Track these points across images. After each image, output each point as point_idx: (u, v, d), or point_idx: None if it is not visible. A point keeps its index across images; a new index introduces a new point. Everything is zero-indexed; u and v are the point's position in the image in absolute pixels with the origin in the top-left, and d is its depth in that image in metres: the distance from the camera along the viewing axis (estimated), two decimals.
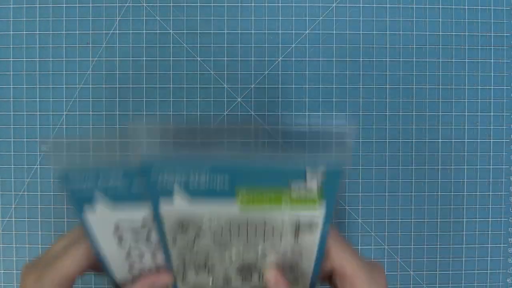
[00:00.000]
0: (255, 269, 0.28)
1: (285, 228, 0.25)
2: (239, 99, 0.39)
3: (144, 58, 0.39)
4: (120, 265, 0.28)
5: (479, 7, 0.39)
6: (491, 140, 0.39)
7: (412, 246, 0.39)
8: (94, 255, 0.28)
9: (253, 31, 0.38)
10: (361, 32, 0.39)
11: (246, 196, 0.24)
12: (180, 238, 0.26)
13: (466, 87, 0.39)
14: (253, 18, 0.39)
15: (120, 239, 0.27)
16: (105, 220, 0.25)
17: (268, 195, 0.24)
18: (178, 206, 0.24)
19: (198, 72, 0.39)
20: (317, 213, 0.24)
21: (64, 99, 0.39)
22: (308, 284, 0.29)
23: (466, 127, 0.39)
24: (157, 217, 0.25)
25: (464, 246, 0.39)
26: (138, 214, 0.25)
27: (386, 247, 0.39)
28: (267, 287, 0.29)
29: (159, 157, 0.22)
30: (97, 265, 0.30)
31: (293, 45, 0.39)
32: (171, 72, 0.39)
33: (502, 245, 0.39)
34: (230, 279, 0.28)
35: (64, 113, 0.39)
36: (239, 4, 0.39)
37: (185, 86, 0.39)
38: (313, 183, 0.23)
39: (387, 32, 0.39)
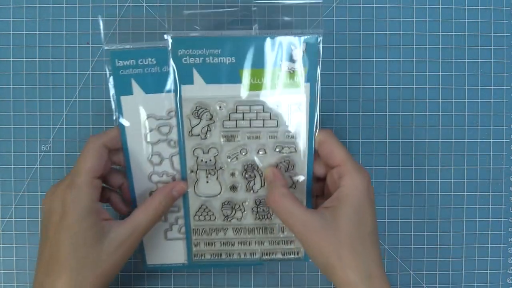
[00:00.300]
0: (257, 172, 0.33)
1: (279, 112, 0.32)
2: None
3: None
4: (141, 165, 0.33)
5: (479, 7, 0.39)
6: (491, 140, 0.39)
7: (412, 246, 0.39)
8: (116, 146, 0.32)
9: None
10: (361, 32, 0.39)
11: (249, 79, 0.32)
12: (194, 128, 0.32)
13: (466, 87, 0.39)
14: (252, 18, 0.39)
15: (146, 133, 0.33)
16: (137, 106, 0.32)
17: (265, 77, 0.32)
18: (196, 89, 0.32)
19: None
20: (302, 93, 0.32)
21: (64, 99, 0.39)
22: (305, 191, 0.34)
23: (466, 127, 0.39)
24: (179, 100, 0.32)
25: (464, 246, 0.39)
26: (163, 106, 0.32)
27: (386, 247, 0.39)
28: (267, 181, 0.33)
29: (185, 37, 0.31)
30: (109, 177, 0.33)
31: None
32: None
33: (502, 245, 0.39)
34: (237, 187, 0.34)
35: (64, 113, 0.39)
36: (239, 5, 0.39)
37: None
38: (297, 55, 0.31)
39: (387, 32, 0.39)
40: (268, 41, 0.31)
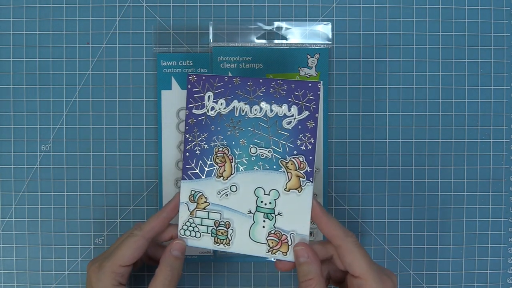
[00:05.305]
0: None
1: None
2: None
3: (144, 58, 0.39)
4: (170, 151, 0.38)
5: (479, 7, 0.39)
6: (491, 140, 0.39)
7: (412, 246, 0.39)
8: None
9: (253, 31, 0.38)
10: (361, 32, 0.39)
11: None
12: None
13: (466, 87, 0.39)
14: (253, 18, 0.39)
15: (178, 123, 0.38)
16: (174, 100, 0.38)
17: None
18: None
19: None
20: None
21: (64, 99, 0.39)
22: (322, 182, 0.38)
23: (466, 127, 0.39)
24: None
25: (464, 246, 0.39)
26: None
27: (386, 247, 0.39)
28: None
29: (223, 46, 0.37)
30: (147, 255, 0.35)
31: None
32: None
33: (502, 245, 0.39)
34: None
35: (64, 113, 0.39)
36: (239, 4, 0.39)
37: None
38: (312, 62, 0.37)
39: (387, 32, 0.39)
40: (290, 51, 0.37)
